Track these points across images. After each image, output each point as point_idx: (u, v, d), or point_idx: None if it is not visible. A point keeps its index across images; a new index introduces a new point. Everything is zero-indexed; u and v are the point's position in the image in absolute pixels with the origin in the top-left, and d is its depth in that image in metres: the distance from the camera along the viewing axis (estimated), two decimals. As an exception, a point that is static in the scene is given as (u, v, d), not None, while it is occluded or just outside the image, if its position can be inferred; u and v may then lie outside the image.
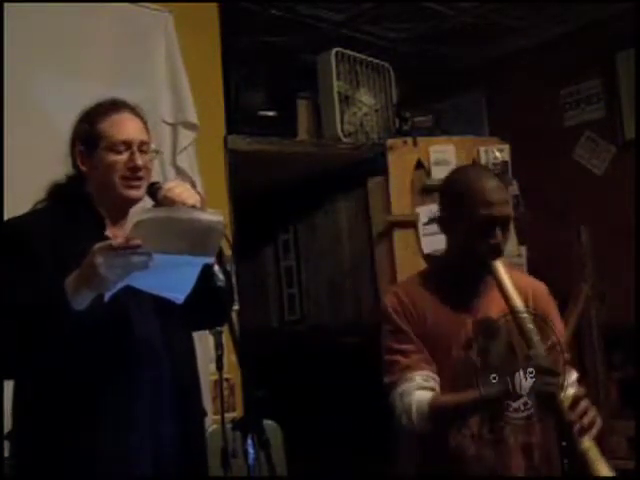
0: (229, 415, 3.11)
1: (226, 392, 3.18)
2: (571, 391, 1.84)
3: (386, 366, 2.02)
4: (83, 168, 1.88)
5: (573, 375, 1.97)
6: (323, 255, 4.98)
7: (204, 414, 2.00)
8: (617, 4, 4.45)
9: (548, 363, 1.79)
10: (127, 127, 1.86)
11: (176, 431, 1.81)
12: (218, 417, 2.90)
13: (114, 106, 1.90)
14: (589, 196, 4.65)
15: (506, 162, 4.38)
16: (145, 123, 1.93)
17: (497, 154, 4.37)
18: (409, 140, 4.36)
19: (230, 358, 3.00)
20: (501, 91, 5.10)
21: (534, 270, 4.26)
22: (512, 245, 4.29)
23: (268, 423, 3.15)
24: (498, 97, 5.15)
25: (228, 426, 2.51)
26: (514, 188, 4.44)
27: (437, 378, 1.97)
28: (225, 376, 2.97)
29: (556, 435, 2.07)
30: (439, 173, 4.27)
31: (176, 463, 1.80)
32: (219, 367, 2.79)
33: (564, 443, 1.97)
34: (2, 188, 2.56)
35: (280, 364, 4.57)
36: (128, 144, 1.84)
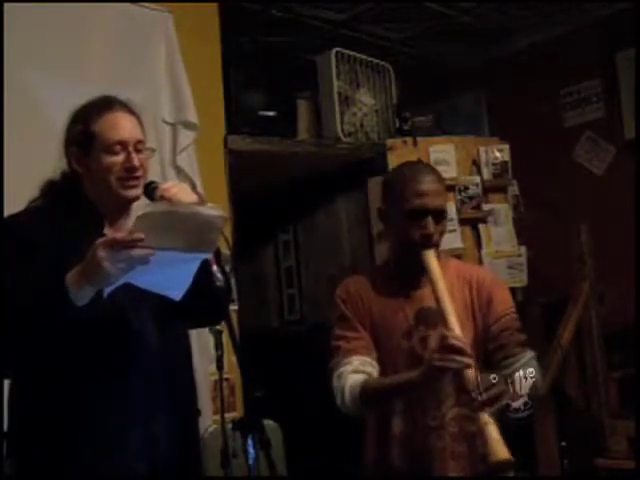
0: (229, 415, 3.11)
1: (226, 392, 3.18)
2: (526, 369, 1.91)
3: (331, 351, 2.12)
4: (79, 169, 1.86)
5: (527, 355, 2.04)
6: (323, 255, 4.98)
7: (198, 413, 2.00)
8: (617, 4, 4.46)
9: (458, 342, 1.85)
10: (122, 127, 1.84)
11: (170, 429, 1.81)
12: (218, 417, 2.90)
13: (107, 105, 1.87)
14: (589, 196, 4.65)
15: (506, 162, 4.38)
16: (139, 118, 1.90)
17: (497, 154, 4.37)
18: (409, 140, 4.36)
19: (230, 358, 2.99)
20: (501, 91, 5.11)
21: (534, 270, 4.27)
22: (512, 245, 4.30)
23: (268, 423, 3.15)
24: (498, 97, 5.15)
25: (228, 426, 2.51)
26: (514, 188, 4.44)
27: (376, 365, 2.06)
28: (225, 376, 2.97)
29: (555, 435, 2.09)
30: (439, 173, 4.26)
31: (170, 461, 1.80)
32: (219, 367, 2.80)
33: (564, 443, 1.99)
34: (2, 188, 2.55)
35: (280, 364, 4.57)
36: (124, 144, 1.82)
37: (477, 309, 2.09)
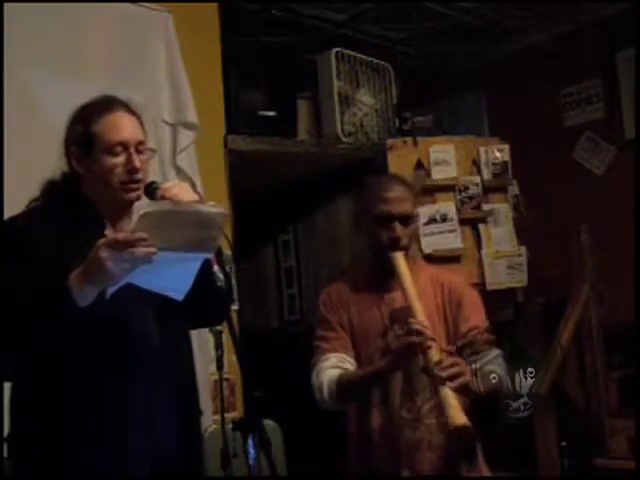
0: (229, 415, 3.11)
1: (226, 392, 3.18)
2: (490, 367, 2.11)
3: (313, 351, 2.26)
4: (79, 169, 1.84)
5: (494, 352, 2.19)
6: (323, 255, 4.98)
7: (200, 413, 2.00)
8: (617, 4, 4.46)
9: (418, 325, 1.99)
10: (123, 127, 1.82)
11: (171, 429, 1.81)
12: (218, 417, 2.90)
13: (107, 105, 1.86)
14: (589, 196, 4.65)
15: (506, 162, 4.38)
16: (140, 119, 1.89)
17: (497, 154, 4.37)
18: (409, 140, 4.36)
19: (230, 358, 3.00)
20: (501, 91, 5.10)
21: (534, 270, 4.27)
22: (512, 245, 4.29)
23: (268, 423, 3.15)
24: (498, 97, 5.15)
25: (228, 426, 2.51)
26: (514, 188, 4.44)
27: (353, 362, 2.19)
28: (225, 376, 2.96)
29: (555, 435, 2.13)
30: (439, 173, 4.27)
31: (172, 461, 1.80)
32: (219, 367, 2.79)
33: (564, 443, 2.01)
34: (2, 188, 2.55)
35: (280, 364, 4.56)
36: (125, 145, 1.81)
37: (448, 312, 2.21)
